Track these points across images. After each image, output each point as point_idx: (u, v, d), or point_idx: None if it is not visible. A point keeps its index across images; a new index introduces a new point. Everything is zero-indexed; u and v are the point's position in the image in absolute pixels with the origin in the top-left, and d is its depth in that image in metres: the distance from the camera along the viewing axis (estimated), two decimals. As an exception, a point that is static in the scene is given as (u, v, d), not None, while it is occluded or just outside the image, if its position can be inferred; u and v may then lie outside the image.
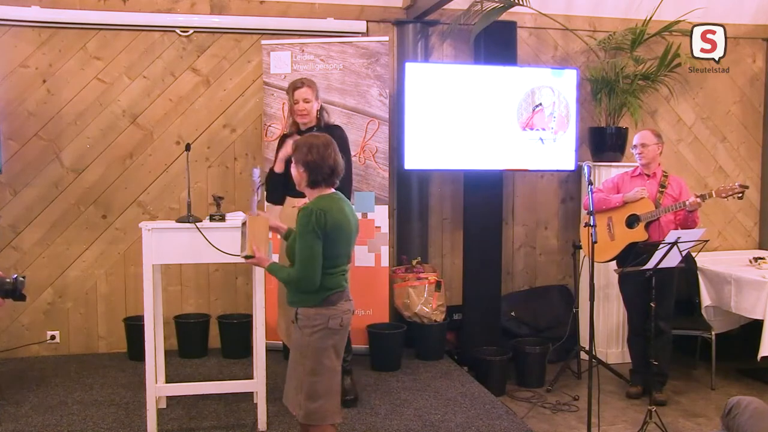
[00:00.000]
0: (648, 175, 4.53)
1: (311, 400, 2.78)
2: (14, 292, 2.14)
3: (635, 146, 4.55)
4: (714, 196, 4.22)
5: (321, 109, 4.06)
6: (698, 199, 4.21)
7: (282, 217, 3.95)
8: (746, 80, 6.03)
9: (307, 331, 2.79)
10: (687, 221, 4.33)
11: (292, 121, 4.08)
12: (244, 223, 2.99)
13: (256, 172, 3.22)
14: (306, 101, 3.94)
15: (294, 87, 3.98)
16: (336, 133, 3.84)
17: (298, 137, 3.06)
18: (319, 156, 2.79)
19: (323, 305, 2.80)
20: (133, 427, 3.76)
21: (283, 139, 4.18)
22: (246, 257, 2.95)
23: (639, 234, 4.40)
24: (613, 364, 5.05)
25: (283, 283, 2.86)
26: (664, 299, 4.30)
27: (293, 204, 3.93)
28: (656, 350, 4.15)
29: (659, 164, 4.57)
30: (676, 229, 4.23)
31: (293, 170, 2.87)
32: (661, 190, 4.46)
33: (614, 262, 4.53)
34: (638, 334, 4.53)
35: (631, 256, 4.20)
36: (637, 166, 4.60)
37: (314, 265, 2.73)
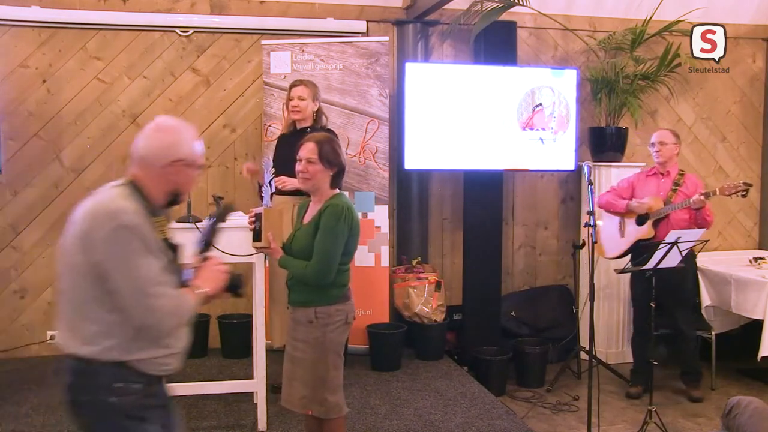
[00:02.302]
0: (662, 174, 4.53)
1: (333, 394, 2.85)
2: (236, 287, 2.17)
3: (653, 144, 4.53)
4: (718, 194, 4.22)
5: (319, 111, 4.18)
6: (702, 197, 4.19)
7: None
8: (746, 80, 6.03)
9: (330, 327, 2.84)
10: (698, 219, 4.32)
11: (290, 120, 4.18)
12: (258, 215, 3.04)
13: (269, 162, 3.25)
14: (300, 99, 4.08)
15: (292, 84, 4.17)
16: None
17: (314, 135, 3.06)
18: (343, 159, 2.93)
19: (341, 301, 2.88)
20: (133, 427, 3.76)
21: (282, 140, 4.20)
22: (260, 248, 3.06)
23: (647, 232, 4.40)
24: (613, 364, 5.05)
25: (296, 275, 2.88)
26: (681, 301, 4.36)
27: (282, 200, 3.95)
28: (683, 353, 4.35)
29: (675, 163, 4.56)
30: (690, 227, 4.25)
31: (311, 168, 2.86)
32: (674, 188, 4.45)
33: (614, 262, 4.53)
34: (641, 334, 4.53)
35: (633, 255, 4.20)
36: (654, 165, 4.59)
37: (336, 261, 2.82)
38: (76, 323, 2.03)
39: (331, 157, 2.85)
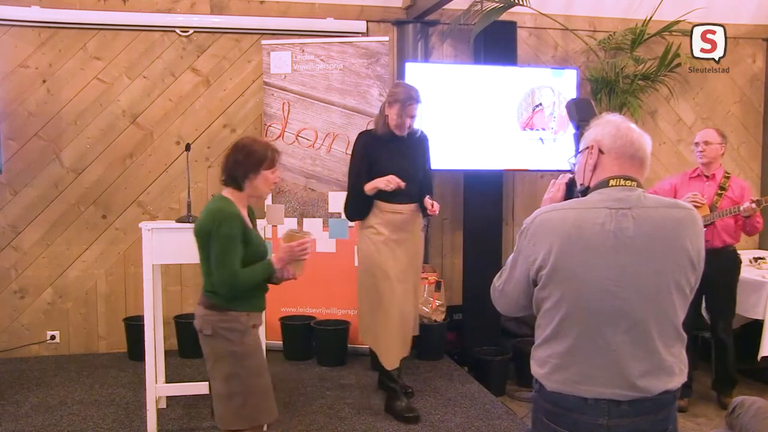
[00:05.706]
0: (707, 177, 4.35)
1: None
2: None
3: (696, 144, 4.36)
4: None
5: None
6: (753, 205, 4.08)
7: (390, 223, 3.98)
8: (746, 80, 6.03)
9: None
10: (746, 226, 4.23)
11: (384, 123, 3.95)
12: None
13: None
14: (413, 117, 3.89)
15: (412, 99, 3.85)
16: (417, 134, 4.03)
17: None
18: (227, 157, 2.82)
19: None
20: (133, 427, 3.76)
21: (363, 140, 4.03)
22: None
23: None
24: (613, 364, 5.04)
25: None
26: (724, 308, 4.32)
27: (394, 210, 3.94)
28: (720, 362, 4.35)
29: (720, 165, 4.38)
30: (736, 232, 4.24)
31: None
32: (719, 192, 4.28)
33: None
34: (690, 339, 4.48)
35: None
36: (697, 167, 4.42)
37: None
38: (661, 354, 1.80)
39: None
